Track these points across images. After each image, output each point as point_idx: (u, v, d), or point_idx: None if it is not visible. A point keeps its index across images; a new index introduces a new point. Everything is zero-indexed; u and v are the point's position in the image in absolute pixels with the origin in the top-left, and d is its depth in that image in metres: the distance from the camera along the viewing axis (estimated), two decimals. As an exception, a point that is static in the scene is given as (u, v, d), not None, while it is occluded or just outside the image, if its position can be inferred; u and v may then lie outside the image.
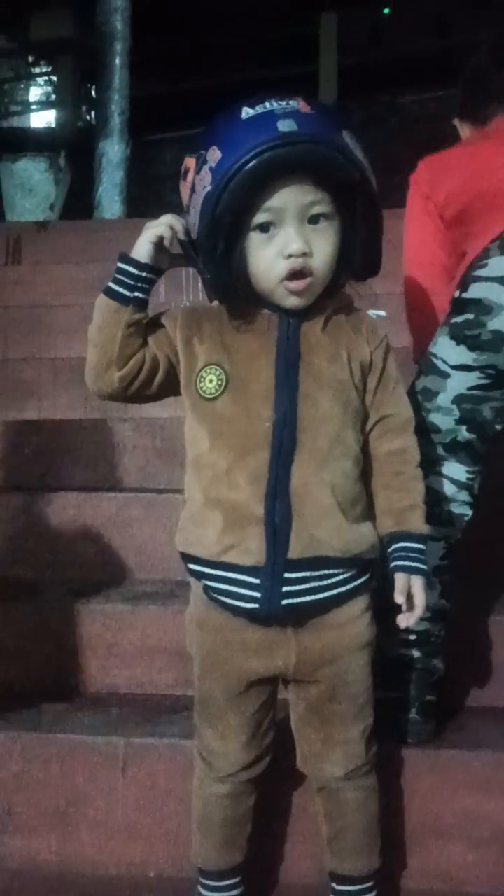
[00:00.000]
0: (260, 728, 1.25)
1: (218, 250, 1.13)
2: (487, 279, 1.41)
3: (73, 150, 5.07)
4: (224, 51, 6.15)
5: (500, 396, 1.44)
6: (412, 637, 1.47)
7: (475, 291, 1.42)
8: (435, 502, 1.46)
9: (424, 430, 1.46)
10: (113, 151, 4.03)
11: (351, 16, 6.41)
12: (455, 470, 1.47)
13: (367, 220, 1.16)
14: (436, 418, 1.46)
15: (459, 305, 1.44)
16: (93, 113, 4.96)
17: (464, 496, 1.48)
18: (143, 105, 4.62)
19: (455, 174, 1.57)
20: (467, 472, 1.48)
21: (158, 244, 1.18)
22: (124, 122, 4.08)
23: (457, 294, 1.45)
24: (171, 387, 1.23)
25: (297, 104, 1.10)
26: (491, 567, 1.77)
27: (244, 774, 1.26)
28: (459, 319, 1.44)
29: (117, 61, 4.08)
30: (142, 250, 1.19)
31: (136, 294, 1.18)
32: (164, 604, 1.72)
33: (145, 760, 1.48)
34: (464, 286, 1.44)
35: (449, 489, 1.47)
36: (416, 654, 1.48)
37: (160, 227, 1.18)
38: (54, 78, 6.58)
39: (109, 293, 1.19)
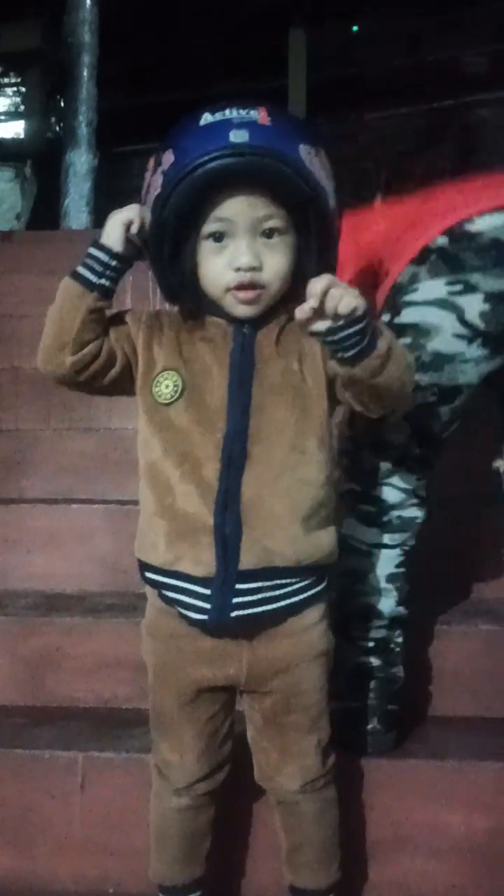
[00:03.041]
0: (215, 738, 1.24)
1: (165, 251, 1.14)
2: (421, 303, 1.42)
3: (41, 161, 5.06)
4: (194, 64, 6.18)
5: (447, 411, 1.46)
6: (371, 644, 1.48)
7: (409, 316, 1.43)
8: (386, 511, 1.48)
9: (376, 446, 1.47)
10: (80, 162, 4.02)
11: (321, 32, 6.47)
12: (404, 479, 1.48)
13: (321, 237, 1.16)
14: (387, 435, 1.47)
15: (393, 330, 1.44)
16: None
17: (412, 499, 1.49)
18: (113, 117, 4.62)
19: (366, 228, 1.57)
20: (417, 479, 1.49)
21: (127, 231, 1.17)
22: (92, 133, 4.08)
23: (387, 319, 1.45)
24: (124, 384, 1.22)
25: (257, 114, 1.10)
26: (448, 576, 1.79)
27: (201, 786, 1.25)
28: None
29: (85, 73, 4.09)
30: (113, 237, 1.17)
31: (103, 281, 1.17)
32: (126, 616, 1.71)
33: (104, 775, 1.46)
34: (395, 311, 1.45)
35: (397, 496, 1.48)
36: (375, 662, 1.48)
37: (127, 211, 1.17)
38: (23, 89, 6.57)
39: (75, 276, 1.18)
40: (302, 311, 1.08)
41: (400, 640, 1.50)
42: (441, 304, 1.40)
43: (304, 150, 1.11)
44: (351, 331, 1.08)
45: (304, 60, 6.44)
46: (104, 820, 1.46)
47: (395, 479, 1.48)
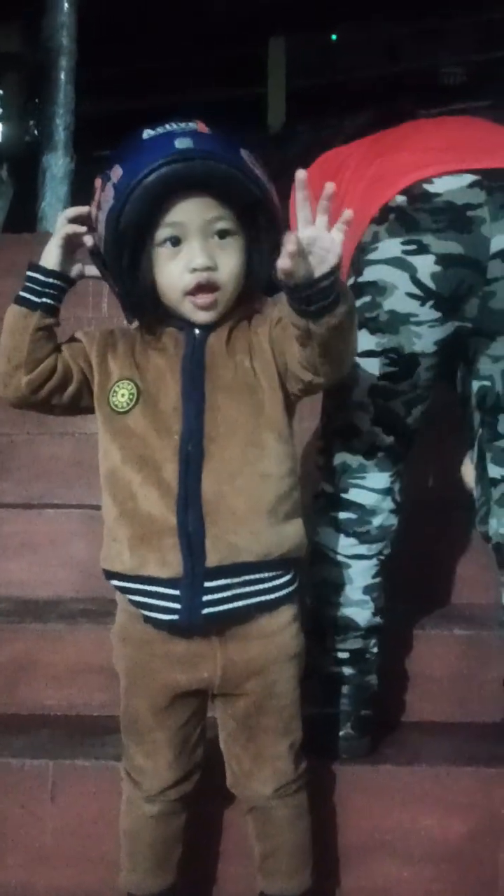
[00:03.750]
0: (188, 744, 1.24)
1: (123, 263, 1.17)
2: (379, 261, 1.43)
3: (18, 164, 5.05)
4: (174, 71, 6.18)
5: (407, 388, 1.45)
6: (346, 655, 1.47)
7: (369, 274, 1.43)
8: (362, 521, 1.48)
9: (346, 436, 1.47)
10: (57, 166, 4.02)
11: (300, 40, 6.49)
12: (377, 479, 1.48)
13: (269, 238, 1.18)
14: (354, 418, 1.47)
15: (356, 290, 1.45)
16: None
17: (388, 504, 1.49)
18: (93, 121, 4.62)
19: (339, 177, 1.56)
20: (389, 476, 1.49)
21: (66, 250, 1.22)
22: (69, 136, 4.08)
23: (352, 280, 1.46)
24: (83, 401, 1.25)
25: (196, 125, 1.16)
26: (424, 580, 1.79)
27: (173, 792, 1.24)
28: (358, 304, 1.45)
29: (62, 76, 4.09)
30: (49, 257, 1.23)
31: (44, 300, 1.22)
32: (100, 622, 1.68)
33: (75, 783, 1.44)
34: (358, 271, 1.46)
35: (372, 499, 1.48)
36: (350, 671, 1.47)
37: (61, 230, 1.22)
38: (1, 92, 6.54)
39: (18, 300, 1.22)
40: (285, 255, 1.05)
41: (375, 650, 1.49)
42: (396, 262, 1.41)
43: (245, 154, 1.17)
44: (323, 285, 1.07)
45: (284, 68, 6.46)
46: (76, 829, 1.44)
47: (368, 478, 1.48)
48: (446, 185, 1.40)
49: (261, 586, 1.18)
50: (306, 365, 1.16)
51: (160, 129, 1.15)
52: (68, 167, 4.05)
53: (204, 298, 1.17)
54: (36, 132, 4.50)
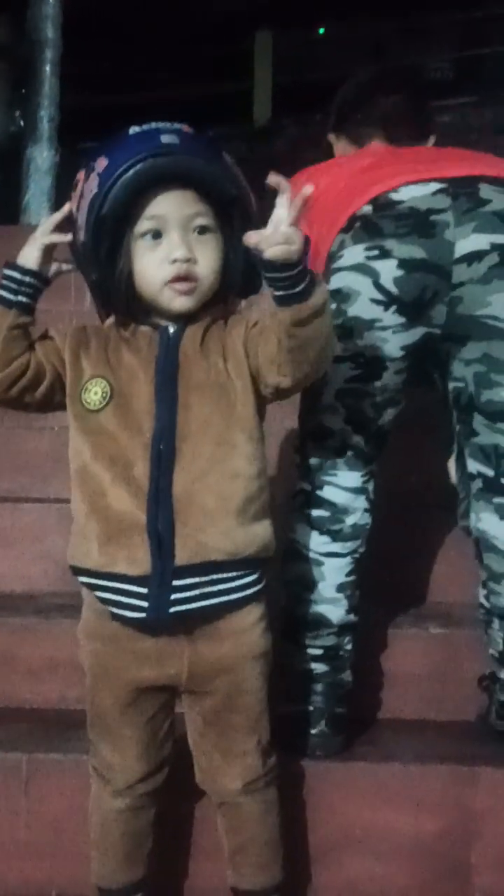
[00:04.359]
0: (156, 738, 1.24)
1: (101, 253, 1.19)
2: (343, 269, 1.44)
3: (2, 156, 5.01)
4: (160, 65, 6.15)
5: (375, 390, 1.46)
6: (319, 652, 1.48)
7: (335, 282, 1.44)
8: (335, 519, 1.49)
9: (317, 436, 1.49)
10: (41, 158, 3.99)
11: (286, 35, 6.48)
12: (349, 478, 1.49)
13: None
14: (325, 420, 1.48)
15: None
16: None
17: (361, 503, 1.50)
18: (78, 115, 4.59)
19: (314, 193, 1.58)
20: (361, 475, 1.50)
21: (46, 252, 1.23)
22: (54, 128, 4.04)
23: None
24: (55, 399, 1.25)
25: (181, 126, 1.20)
26: (399, 579, 1.79)
27: (142, 787, 1.24)
28: None
29: (47, 68, 4.05)
30: (28, 257, 1.23)
31: (20, 298, 1.22)
32: (76, 617, 1.64)
33: (49, 777, 1.44)
34: (327, 280, 1.46)
35: (345, 498, 1.49)
36: (323, 668, 1.48)
37: (47, 237, 1.23)
38: (-14, 83, 6.48)
39: None
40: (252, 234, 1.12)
41: (349, 647, 1.50)
42: (359, 268, 1.42)
43: (226, 156, 1.22)
44: (281, 275, 1.10)
45: (270, 63, 6.44)
46: (49, 822, 1.44)
47: (341, 477, 1.48)
48: (411, 193, 1.42)
49: (228, 585, 1.18)
50: (275, 365, 1.17)
51: (146, 127, 1.19)
52: (53, 160, 4.02)
53: (183, 285, 1.18)
54: (21, 124, 4.46)
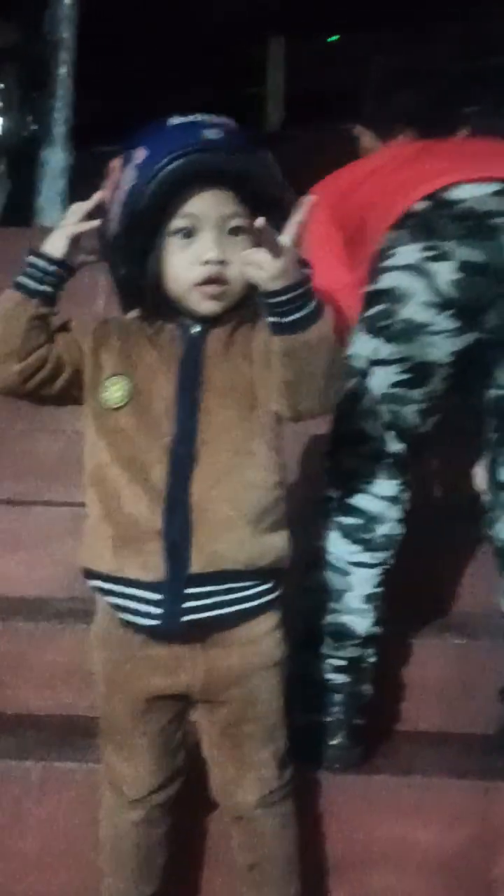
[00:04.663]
0: (168, 748, 1.21)
1: (135, 246, 1.15)
2: (396, 268, 1.40)
3: (16, 157, 5.03)
4: (173, 69, 6.16)
5: (420, 397, 1.43)
6: (342, 663, 1.44)
7: (385, 281, 1.41)
8: (367, 528, 1.45)
9: (352, 442, 1.44)
10: (55, 160, 4.00)
11: (300, 42, 6.48)
12: (385, 486, 1.46)
13: None
14: (363, 425, 1.44)
15: (371, 298, 1.43)
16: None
17: (395, 513, 1.46)
18: (92, 118, 4.60)
19: (350, 193, 1.56)
20: (398, 485, 1.46)
21: (73, 241, 1.19)
22: (68, 131, 4.05)
23: (368, 288, 1.44)
24: (73, 393, 1.22)
25: (224, 121, 1.16)
26: (419, 589, 1.76)
27: (155, 798, 1.22)
28: (372, 311, 1.43)
29: (62, 70, 4.06)
30: (55, 245, 1.19)
31: (44, 288, 1.18)
32: (88, 623, 1.65)
33: (62, 786, 1.41)
34: (373, 278, 1.43)
35: (379, 507, 1.45)
36: (344, 679, 1.45)
37: (76, 225, 1.19)
38: (1, 85, 6.52)
39: (16, 285, 1.19)
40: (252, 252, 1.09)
41: (373, 659, 1.47)
42: (414, 269, 1.39)
43: (268, 156, 1.18)
44: (268, 300, 1.08)
45: (283, 69, 6.45)
46: (62, 832, 1.41)
47: (376, 485, 1.45)
48: (469, 193, 1.39)
49: (242, 594, 1.16)
50: (274, 391, 1.15)
51: (188, 119, 1.15)
52: (67, 162, 4.02)
53: (213, 288, 1.15)
54: (35, 126, 4.48)
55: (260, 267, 1.07)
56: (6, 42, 5.79)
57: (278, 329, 1.10)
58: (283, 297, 1.08)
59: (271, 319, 1.10)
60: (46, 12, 4.14)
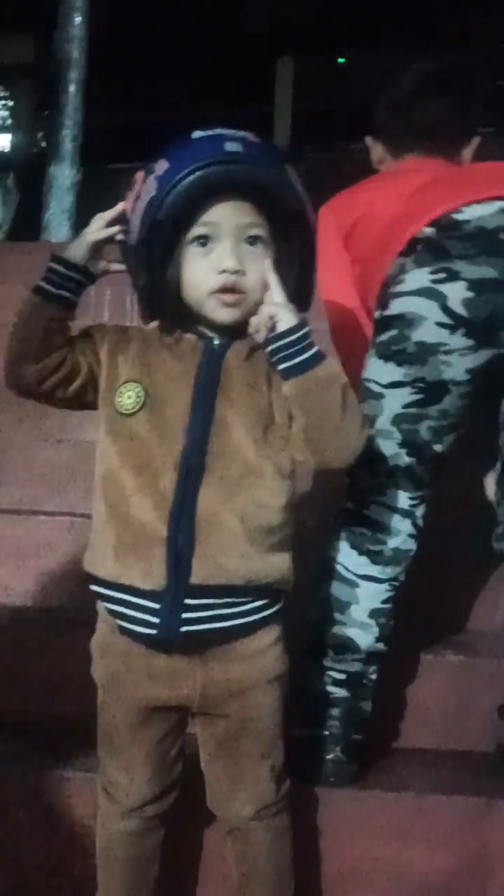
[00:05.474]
0: (166, 759, 1.21)
1: (154, 256, 1.16)
2: (406, 293, 1.41)
3: (25, 173, 5.09)
4: (182, 88, 6.22)
5: (435, 414, 1.44)
6: (342, 676, 1.44)
7: (396, 307, 1.42)
8: (376, 539, 1.45)
9: (367, 461, 1.44)
10: (63, 176, 4.04)
11: (309, 62, 6.54)
12: (396, 498, 1.46)
13: (302, 254, 1.19)
14: (378, 445, 1.44)
15: (383, 324, 1.44)
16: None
17: (407, 527, 1.46)
18: (100, 135, 4.64)
19: (359, 214, 1.58)
20: (410, 497, 1.46)
21: (95, 249, 1.21)
22: (76, 148, 4.11)
23: (378, 314, 1.45)
24: (88, 397, 1.23)
25: (246, 134, 1.17)
26: (415, 605, 1.75)
27: (150, 809, 1.22)
28: (385, 337, 1.44)
29: (72, 88, 4.12)
30: (76, 252, 1.20)
31: (62, 292, 1.19)
32: (90, 632, 1.66)
33: (62, 793, 1.41)
34: (384, 305, 1.45)
35: (391, 519, 1.45)
36: (344, 693, 1.44)
37: (101, 232, 1.20)
38: (11, 103, 6.59)
39: (36, 289, 1.20)
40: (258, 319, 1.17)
41: (374, 676, 1.46)
42: (425, 292, 1.39)
43: (289, 169, 1.19)
44: (275, 345, 1.15)
45: (291, 89, 6.50)
46: (58, 842, 1.40)
47: (388, 496, 1.45)
48: (475, 213, 1.40)
49: (241, 608, 1.16)
50: (298, 440, 1.18)
51: (210, 132, 1.17)
52: (74, 178, 4.07)
53: (230, 296, 1.16)
54: (44, 143, 4.54)
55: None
56: (17, 60, 5.87)
57: (289, 372, 1.14)
58: (291, 338, 1.13)
59: (282, 366, 1.15)
60: (57, 31, 4.20)
